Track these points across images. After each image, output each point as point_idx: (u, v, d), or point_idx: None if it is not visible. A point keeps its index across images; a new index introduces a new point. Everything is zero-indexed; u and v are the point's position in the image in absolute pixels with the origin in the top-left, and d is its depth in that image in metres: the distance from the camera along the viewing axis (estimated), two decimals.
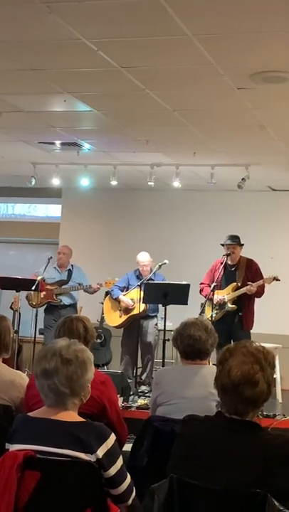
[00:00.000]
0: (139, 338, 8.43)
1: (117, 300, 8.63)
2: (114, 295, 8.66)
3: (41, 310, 8.97)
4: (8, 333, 3.91)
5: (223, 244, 8.10)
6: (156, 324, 8.70)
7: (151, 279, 8.35)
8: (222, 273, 7.96)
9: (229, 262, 8.09)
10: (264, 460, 2.43)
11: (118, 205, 10.79)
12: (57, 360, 2.72)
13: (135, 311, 8.47)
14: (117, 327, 8.79)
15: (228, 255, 8.00)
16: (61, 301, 8.94)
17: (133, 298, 8.47)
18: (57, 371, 2.71)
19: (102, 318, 9.35)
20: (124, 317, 8.57)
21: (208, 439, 2.57)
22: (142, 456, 3.62)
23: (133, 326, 8.53)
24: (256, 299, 8.08)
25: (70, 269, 9.16)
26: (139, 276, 8.62)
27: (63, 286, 8.99)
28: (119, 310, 8.63)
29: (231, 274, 8.07)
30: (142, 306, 8.30)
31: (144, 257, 8.62)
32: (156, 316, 8.67)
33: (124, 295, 8.58)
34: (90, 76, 5.37)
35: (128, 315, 8.54)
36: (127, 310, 8.55)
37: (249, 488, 2.36)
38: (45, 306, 9.00)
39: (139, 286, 8.09)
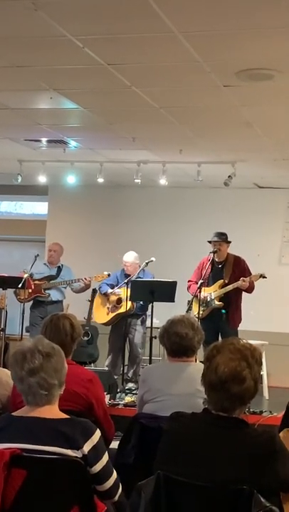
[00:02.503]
0: (126, 336, 8.44)
1: (106, 295, 8.64)
2: (102, 290, 8.70)
3: (28, 308, 8.94)
4: None
5: (210, 242, 8.11)
6: (144, 323, 8.72)
7: (139, 277, 8.36)
8: (209, 270, 7.97)
9: (216, 259, 8.10)
10: (250, 456, 2.44)
11: (105, 203, 10.78)
12: (39, 357, 2.74)
13: (122, 309, 8.47)
14: (104, 324, 8.80)
15: (214, 252, 8.02)
16: (49, 295, 8.93)
17: (121, 297, 8.50)
18: (42, 366, 2.73)
19: (89, 316, 9.35)
20: (111, 315, 8.58)
21: (195, 436, 2.57)
22: (129, 453, 3.63)
23: (120, 324, 8.55)
24: (243, 296, 8.10)
25: (59, 267, 9.17)
26: (126, 275, 8.64)
27: (52, 281, 8.98)
28: (107, 307, 8.64)
29: (218, 271, 8.08)
30: (129, 305, 8.31)
31: (127, 257, 8.65)
32: (144, 315, 8.68)
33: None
34: (76, 73, 5.35)
35: (115, 313, 8.55)
36: (114, 308, 8.56)
37: (236, 485, 2.37)
38: (32, 302, 8.98)
39: (126, 284, 8.10)
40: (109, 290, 8.60)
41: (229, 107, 6.00)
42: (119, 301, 8.51)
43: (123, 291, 8.40)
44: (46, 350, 2.77)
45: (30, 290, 8.74)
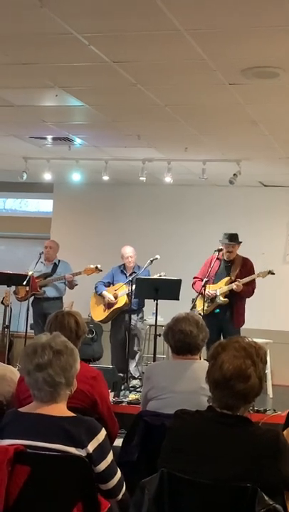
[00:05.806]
0: (126, 332, 8.50)
1: (101, 295, 8.70)
2: (98, 291, 8.78)
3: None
4: None
5: (221, 247, 8.07)
6: (142, 318, 8.77)
7: (134, 272, 8.40)
8: (217, 268, 7.99)
9: (225, 258, 8.12)
10: (254, 454, 2.44)
11: (110, 200, 10.78)
12: (49, 353, 2.75)
13: (118, 305, 8.58)
14: (101, 321, 8.90)
15: (229, 252, 8.01)
16: (45, 292, 8.96)
17: (117, 292, 8.55)
18: (51, 363, 2.73)
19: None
20: (108, 311, 8.69)
21: (199, 434, 2.57)
22: (132, 450, 3.62)
23: (119, 321, 8.63)
24: None
25: (55, 263, 9.21)
26: (123, 271, 8.73)
27: (47, 278, 9.02)
28: (103, 305, 8.73)
29: (226, 269, 8.11)
30: (124, 300, 8.42)
31: (128, 250, 8.72)
32: (141, 310, 8.73)
33: (110, 288, 8.71)
34: (81, 70, 5.35)
35: (111, 309, 8.66)
36: (110, 304, 8.64)
37: (239, 483, 2.37)
38: (32, 300, 8.99)
39: (130, 281, 8.13)
40: (104, 292, 8.69)
41: (234, 105, 5.99)
42: (114, 297, 8.57)
43: (121, 288, 8.45)
44: (58, 348, 2.78)
45: (27, 288, 8.75)
